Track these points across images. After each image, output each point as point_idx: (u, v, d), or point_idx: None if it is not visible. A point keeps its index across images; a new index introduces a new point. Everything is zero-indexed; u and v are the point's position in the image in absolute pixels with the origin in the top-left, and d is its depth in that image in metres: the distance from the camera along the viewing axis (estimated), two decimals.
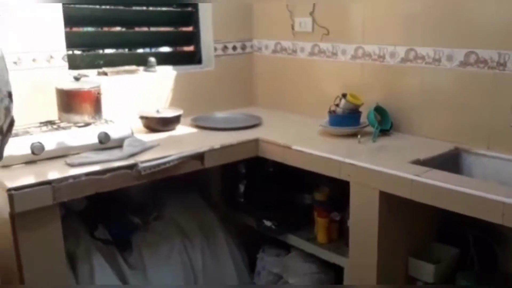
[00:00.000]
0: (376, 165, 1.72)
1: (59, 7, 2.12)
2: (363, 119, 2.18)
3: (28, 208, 1.55)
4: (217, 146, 2.01)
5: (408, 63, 2.12)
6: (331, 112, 2.19)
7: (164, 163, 1.84)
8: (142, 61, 2.49)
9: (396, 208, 1.74)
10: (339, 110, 2.17)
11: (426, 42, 2.05)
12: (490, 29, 1.84)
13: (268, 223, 2.19)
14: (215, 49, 2.66)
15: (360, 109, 2.18)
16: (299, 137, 2.11)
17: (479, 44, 1.88)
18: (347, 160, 1.81)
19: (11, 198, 1.51)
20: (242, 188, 2.33)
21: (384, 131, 2.15)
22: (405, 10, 2.10)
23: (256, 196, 2.33)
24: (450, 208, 1.53)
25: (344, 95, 2.17)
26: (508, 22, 1.79)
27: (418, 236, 1.87)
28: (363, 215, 1.77)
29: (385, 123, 2.16)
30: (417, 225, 1.85)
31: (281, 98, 2.68)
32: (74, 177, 1.63)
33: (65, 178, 1.62)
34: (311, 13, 2.47)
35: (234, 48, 2.74)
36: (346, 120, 2.15)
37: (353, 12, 2.30)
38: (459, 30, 1.93)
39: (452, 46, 1.96)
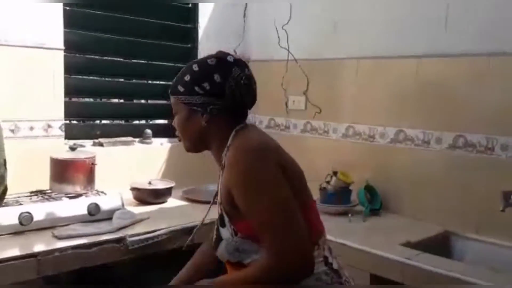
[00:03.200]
0: (367, 246, 1.71)
1: (61, 77, 2.17)
2: (353, 197, 2.19)
3: (9, 281, 1.51)
4: (207, 220, 1.99)
5: (397, 144, 2.18)
6: (322, 189, 2.20)
7: (153, 238, 1.82)
8: (137, 132, 2.53)
9: None
10: (330, 188, 2.19)
11: (415, 124, 2.11)
12: (478, 114, 1.91)
13: None
14: None
15: (350, 187, 2.20)
16: None
17: (468, 129, 1.94)
18: (338, 240, 1.80)
19: None
20: None
21: (374, 210, 2.16)
22: (395, 93, 2.19)
23: None
24: None
25: (335, 173, 2.20)
26: (496, 109, 1.86)
27: None
28: None
29: (375, 202, 2.18)
30: None
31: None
32: (60, 250, 1.61)
33: (52, 251, 1.59)
34: (305, 92, 2.56)
35: None
36: (337, 198, 2.17)
37: (344, 93, 2.39)
38: (448, 114, 2.00)
39: (441, 129, 2.02)
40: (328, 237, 1.81)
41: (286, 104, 2.65)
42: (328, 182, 2.20)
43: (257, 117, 2.82)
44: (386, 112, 2.22)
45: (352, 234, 1.90)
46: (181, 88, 1.28)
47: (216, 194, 1.37)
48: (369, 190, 2.19)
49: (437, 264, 1.56)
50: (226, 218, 1.23)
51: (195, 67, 1.28)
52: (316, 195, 2.19)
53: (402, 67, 2.15)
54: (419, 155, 2.10)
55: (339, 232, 1.87)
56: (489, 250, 1.85)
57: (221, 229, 1.25)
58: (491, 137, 1.88)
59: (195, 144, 1.35)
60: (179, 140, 1.39)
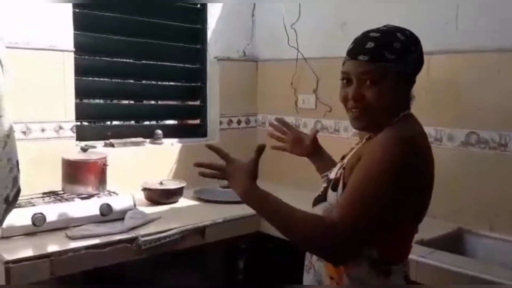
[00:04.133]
0: None
1: (72, 79, 2.18)
2: None
3: (23, 282, 1.52)
4: (219, 220, 2.01)
5: None
6: None
7: (165, 237, 1.83)
8: (148, 133, 2.54)
9: None
10: None
11: (427, 122, 2.07)
12: (491, 110, 1.89)
13: None
14: (221, 122, 2.72)
15: None
16: None
17: (480, 125, 1.92)
18: None
19: (7, 271, 1.48)
20: (241, 264, 2.28)
21: None
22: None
23: (256, 273, 2.27)
24: None
25: None
26: (508, 105, 1.84)
27: None
28: None
29: None
30: None
31: (283, 173, 2.69)
32: (73, 250, 1.62)
33: (65, 252, 1.60)
34: (315, 91, 2.55)
35: (239, 122, 2.80)
36: None
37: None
38: (460, 111, 1.98)
39: (452, 126, 2.01)
40: None
41: (296, 103, 2.64)
42: None
43: (266, 116, 2.82)
44: None
45: None
46: (390, 55, 1.13)
47: (343, 158, 1.27)
48: None
49: (451, 262, 1.54)
50: (341, 184, 1.16)
51: (400, 35, 1.16)
52: None
53: None
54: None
55: None
56: (502, 247, 1.83)
57: (330, 191, 1.19)
58: (504, 133, 1.86)
59: (386, 116, 1.16)
60: (357, 115, 1.17)
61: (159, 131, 2.53)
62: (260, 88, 2.85)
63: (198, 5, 2.70)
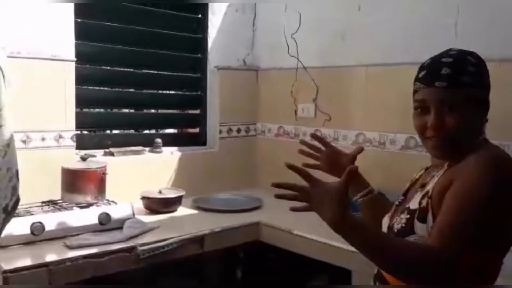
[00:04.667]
0: None
1: (72, 88, 2.19)
2: None
3: None
4: (217, 229, 2.01)
5: (408, 150, 2.16)
6: None
7: (163, 247, 1.83)
8: (148, 142, 2.55)
9: None
10: None
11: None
12: (491, 120, 1.87)
13: None
14: (220, 131, 2.73)
15: None
16: (301, 221, 2.09)
17: None
18: (349, 247, 1.78)
19: (5, 280, 1.49)
20: (239, 273, 2.28)
21: None
22: (404, 100, 2.16)
23: (254, 283, 2.27)
24: None
25: None
26: (509, 115, 1.84)
27: None
28: None
29: None
30: None
31: (283, 181, 2.69)
32: (71, 259, 1.62)
33: (63, 261, 1.60)
34: (314, 100, 2.56)
35: (239, 130, 2.81)
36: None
37: (354, 101, 2.39)
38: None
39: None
40: (339, 244, 1.81)
41: (296, 112, 2.65)
42: None
43: (265, 125, 2.83)
44: (396, 118, 2.21)
45: None
46: (467, 79, 1.11)
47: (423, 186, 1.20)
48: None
49: None
50: (430, 215, 1.10)
51: (471, 59, 1.13)
52: None
53: (412, 74, 2.13)
54: (430, 161, 2.08)
55: None
56: None
57: (417, 223, 1.12)
58: (505, 143, 1.85)
59: (466, 142, 1.12)
60: (437, 144, 1.14)
61: (159, 140, 2.54)
62: (260, 97, 2.86)
63: (199, 15, 2.72)
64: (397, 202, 1.28)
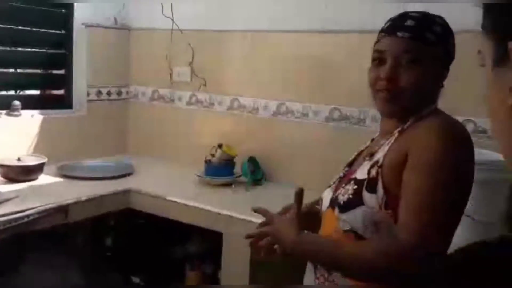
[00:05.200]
0: (250, 216, 1.74)
1: None
2: (237, 169, 2.22)
3: None
4: (83, 197, 1.89)
5: (279, 116, 2.23)
6: (207, 162, 2.19)
7: (23, 217, 1.68)
8: (5, 104, 2.29)
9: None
10: (214, 160, 2.18)
11: (296, 98, 2.18)
12: (353, 88, 2.01)
13: (136, 279, 2.08)
14: (88, 93, 2.55)
15: (235, 160, 2.22)
16: (173, 187, 2.08)
17: (343, 102, 2.05)
18: (222, 211, 1.81)
19: None
20: (109, 241, 2.20)
21: (257, 181, 2.20)
22: (277, 67, 2.23)
23: (124, 250, 2.21)
24: None
25: (219, 146, 2.20)
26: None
27: None
28: (234, 267, 1.77)
29: (257, 173, 2.23)
30: (288, 277, 1.88)
31: (156, 147, 2.63)
32: None
33: None
34: (190, 64, 2.50)
35: (109, 93, 2.65)
36: (221, 170, 2.17)
37: (230, 66, 2.38)
38: (326, 88, 2.09)
39: (318, 102, 2.11)
40: (212, 208, 1.83)
41: (171, 75, 2.57)
42: (213, 155, 2.19)
43: (139, 88, 2.71)
44: (269, 85, 2.26)
45: (236, 204, 1.92)
46: (431, 37, 1.05)
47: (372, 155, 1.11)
48: (252, 162, 2.23)
49: None
50: (380, 185, 1.03)
51: (439, 20, 1.09)
52: (202, 167, 2.19)
53: (285, 41, 2.19)
54: (299, 128, 2.17)
55: (223, 204, 1.89)
56: None
57: (366, 193, 1.04)
58: (363, 109, 1.99)
59: (418, 104, 1.07)
60: (387, 97, 1.07)
61: (17, 102, 2.29)
62: (133, 59, 2.71)
63: None
64: (341, 174, 1.21)
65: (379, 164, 1.05)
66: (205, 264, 2.03)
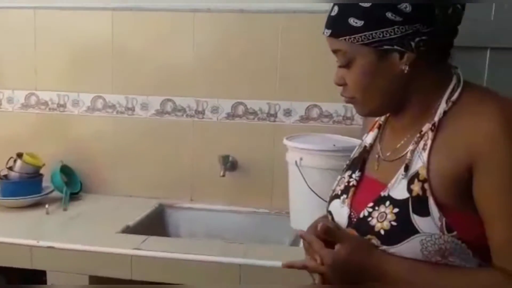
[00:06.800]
0: (79, 243, 1.37)
1: None
2: (46, 183, 1.76)
3: None
4: None
5: (96, 112, 1.84)
6: (3, 178, 1.68)
7: None
8: None
9: None
10: (14, 175, 1.69)
11: (116, 90, 1.81)
12: (187, 77, 1.76)
13: None
14: None
15: (41, 172, 1.75)
16: None
17: (177, 92, 1.78)
18: (40, 243, 1.37)
19: None
20: None
21: (74, 194, 1.79)
22: (81, 52, 1.82)
23: None
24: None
25: (19, 155, 1.70)
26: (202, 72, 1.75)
27: None
28: None
29: (74, 185, 1.81)
30: None
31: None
32: None
33: None
34: None
35: None
36: (26, 186, 1.68)
37: (23, 53, 1.85)
38: (154, 77, 1.79)
39: (147, 94, 1.80)
40: (25, 241, 1.37)
41: None
42: (11, 168, 1.68)
43: None
44: (76, 75, 1.84)
45: (56, 230, 1.51)
46: (356, 22, 0.80)
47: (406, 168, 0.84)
48: (65, 171, 1.80)
49: (167, 248, 1.36)
50: (433, 203, 0.79)
51: None
52: None
53: (92, 21, 1.79)
54: (123, 124, 1.82)
55: (38, 232, 1.48)
56: (204, 217, 1.78)
57: (417, 218, 0.80)
58: (201, 100, 1.76)
59: (388, 102, 0.86)
60: (350, 103, 0.88)
61: None
62: None
63: None
64: (353, 182, 0.93)
65: (423, 179, 0.82)
66: None
